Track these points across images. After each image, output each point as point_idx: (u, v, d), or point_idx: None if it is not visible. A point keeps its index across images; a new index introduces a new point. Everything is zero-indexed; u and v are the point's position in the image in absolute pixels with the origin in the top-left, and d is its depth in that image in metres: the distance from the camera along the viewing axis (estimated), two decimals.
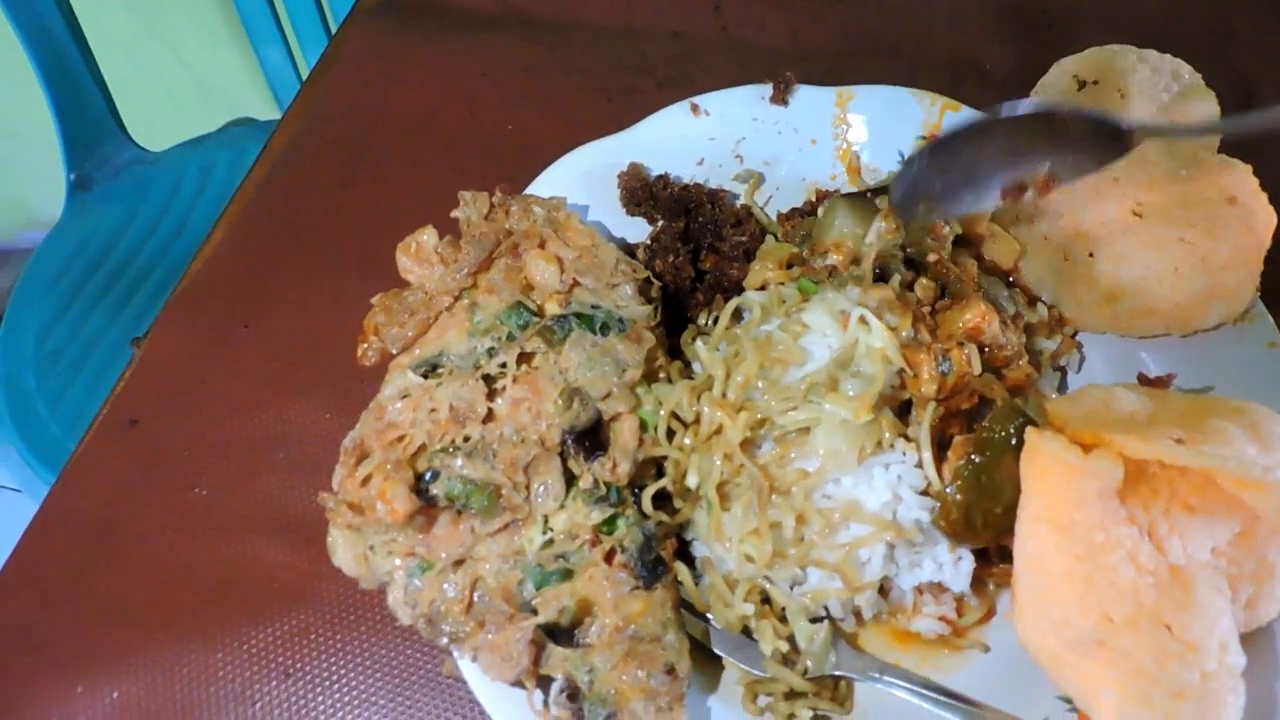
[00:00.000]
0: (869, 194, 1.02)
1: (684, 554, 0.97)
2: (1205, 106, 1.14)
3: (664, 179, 1.15)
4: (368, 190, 1.35)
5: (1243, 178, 1.08)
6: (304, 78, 2.36)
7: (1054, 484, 0.83)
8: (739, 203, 1.18)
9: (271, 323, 1.23)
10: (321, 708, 0.97)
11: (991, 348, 0.95)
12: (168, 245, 2.26)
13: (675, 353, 1.06)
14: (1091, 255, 1.09)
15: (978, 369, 0.93)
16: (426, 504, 0.85)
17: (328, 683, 0.98)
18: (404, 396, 0.91)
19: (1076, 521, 0.81)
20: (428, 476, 0.86)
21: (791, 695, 0.89)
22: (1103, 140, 0.91)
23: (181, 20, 2.77)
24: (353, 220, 1.32)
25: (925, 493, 0.91)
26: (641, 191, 1.11)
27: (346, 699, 0.97)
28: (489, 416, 0.90)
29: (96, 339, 2.11)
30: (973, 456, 0.89)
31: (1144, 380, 1.04)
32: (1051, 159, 0.93)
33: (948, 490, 0.88)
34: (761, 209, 1.19)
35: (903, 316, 0.94)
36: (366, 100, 1.44)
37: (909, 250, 1.00)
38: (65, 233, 2.28)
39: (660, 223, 1.15)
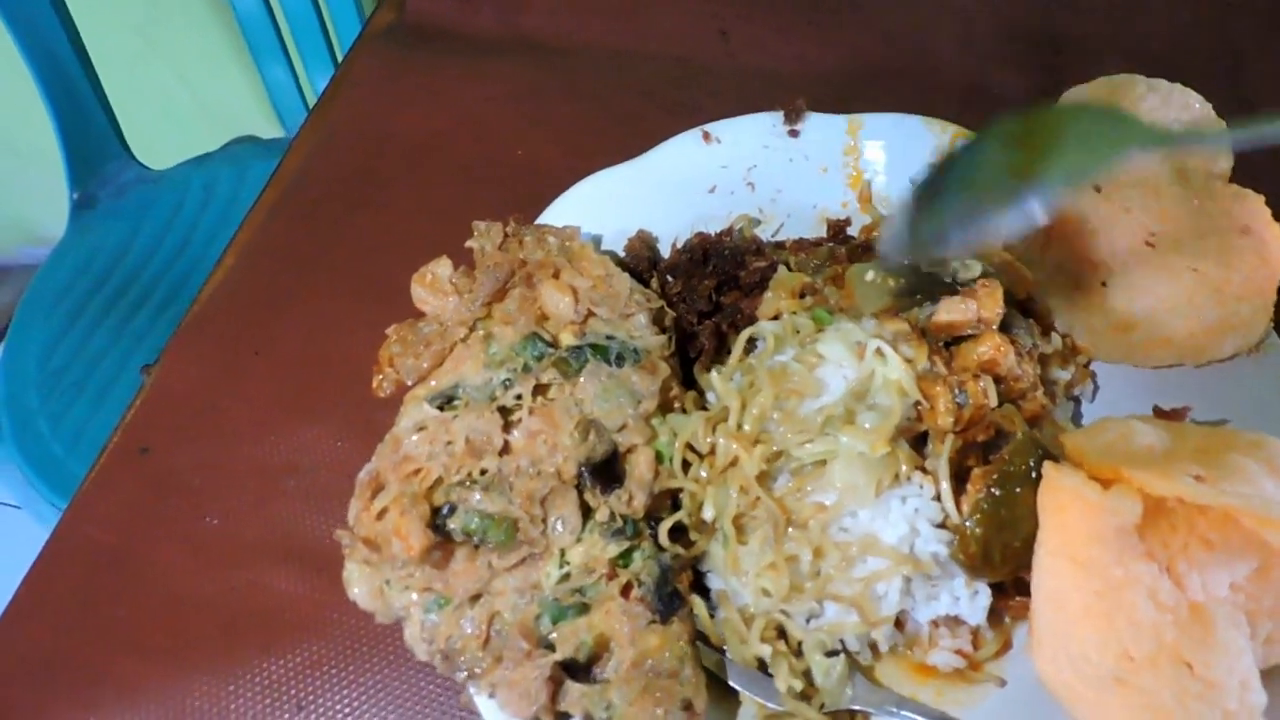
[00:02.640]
0: (895, 272, 1.00)
1: (699, 585, 0.97)
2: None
3: (673, 247, 1.15)
4: (377, 215, 1.35)
5: (1255, 207, 1.09)
6: (307, 96, 2.37)
7: (1072, 519, 0.83)
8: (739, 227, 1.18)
9: (282, 349, 1.23)
10: None
11: (1007, 380, 0.95)
12: (171, 263, 2.27)
13: (689, 382, 1.06)
14: (1104, 285, 1.09)
15: (994, 401, 0.93)
16: (443, 539, 0.85)
17: (341, 716, 0.97)
18: (420, 429, 0.90)
19: (1095, 558, 0.81)
20: (444, 511, 0.86)
21: None
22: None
23: (184, 39, 2.78)
24: (363, 245, 1.32)
25: (942, 525, 0.91)
26: (648, 261, 1.11)
27: None
28: (505, 449, 0.90)
29: (99, 358, 2.11)
30: (992, 490, 0.88)
31: (1159, 413, 1.03)
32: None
33: (967, 524, 0.88)
34: (769, 242, 1.18)
35: (918, 349, 0.94)
36: (375, 125, 1.44)
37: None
38: (68, 251, 2.28)
39: (679, 244, 1.15)
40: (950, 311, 0.93)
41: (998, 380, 0.94)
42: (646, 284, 1.09)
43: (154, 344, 2.10)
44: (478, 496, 0.86)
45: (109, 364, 2.08)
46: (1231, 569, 0.85)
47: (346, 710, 0.97)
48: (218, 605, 1.04)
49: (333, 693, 0.98)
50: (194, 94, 3.00)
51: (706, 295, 1.07)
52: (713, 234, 1.15)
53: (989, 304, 0.93)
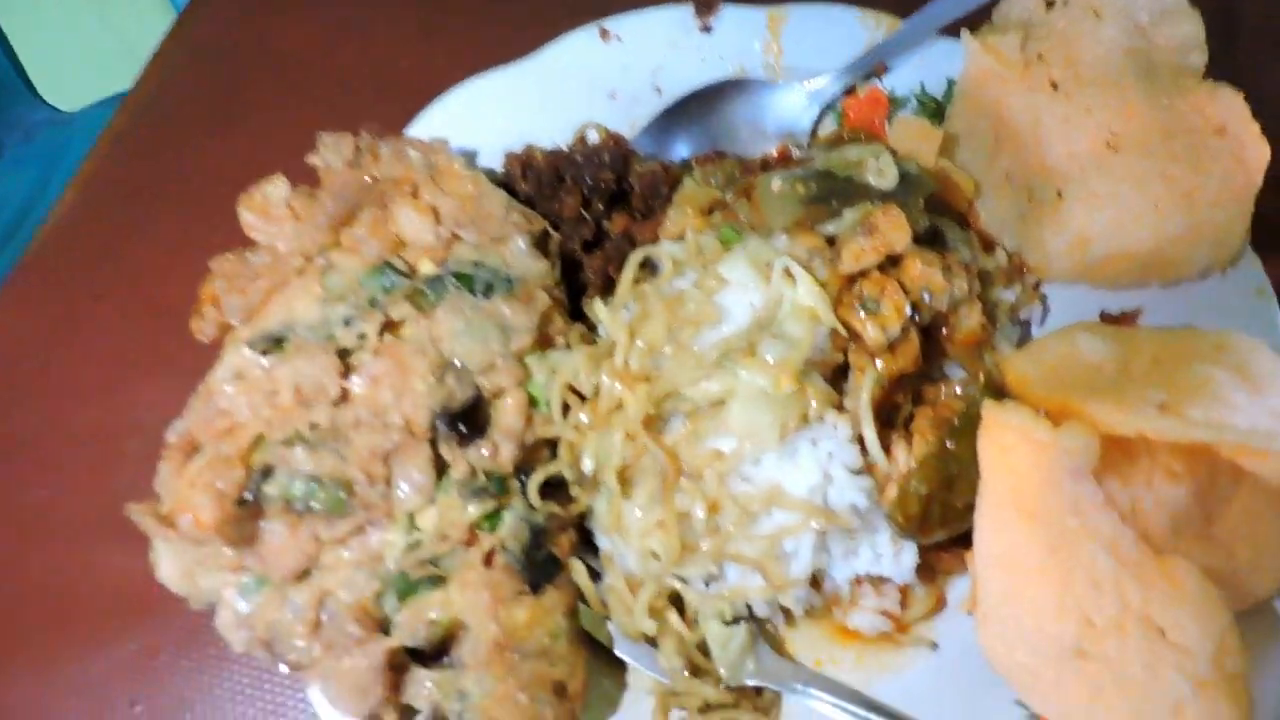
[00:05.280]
0: (805, 178, 0.85)
1: (593, 548, 0.84)
2: (1188, 29, 1.00)
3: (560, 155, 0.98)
4: (241, 139, 1.19)
5: (1232, 105, 0.95)
6: None
7: (1018, 464, 0.70)
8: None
9: (127, 293, 1.08)
10: None
11: (932, 294, 0.81)
12: None
13: (579, 316, 0.91)
14: (1060, 195, 0.96)
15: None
16: (256, 507, 0.71)
17: (179, 712, 0.84)
18: (238, 378, 0.76)
19: (1046, 508, 0.69)
20: (258, 475, 0.72)
21: (708, 708, 0.76)
22: None
23: None
24: (226, 172, 1.15)
25: (862, 472, 0.78)
26: (533, 179, 0.95)
27: None
28: (342, 398, 0.76)
29: None
30: (946, 442, 0.75)
31: (1107, 319, 0.91)
32: None
33: (912, 483, 0.75)
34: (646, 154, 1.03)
35: (832, 268, 0.80)
36: (243, 37, 1.27)
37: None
38: None
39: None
40: (856, 258, 0.79)
41: (915, 309, 0.80)
42: (534, 206, 0.94)
43: None
44: (301, 454, 0.72)
45: None
46: (1203, 500, 0.72)
47: (182, 702, 0.84)
48: (45, 591, 0.91)
49: (169, 683, 0.86)
50: (108, 28, 2.78)
51: (576, 214, 0.92)
52: (564, 147, 0.99)
53: (893, 234, 0.78)
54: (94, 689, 0.86)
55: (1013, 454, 0.70)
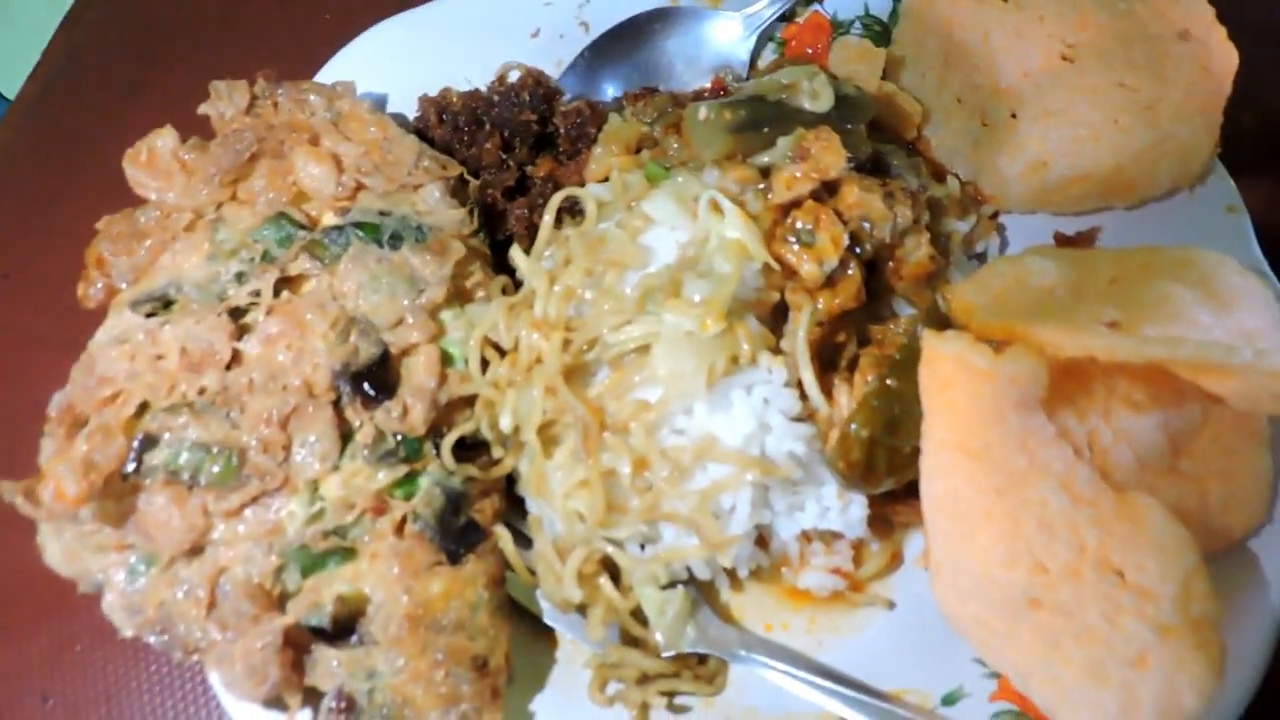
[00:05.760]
0: (734, 104, 0.79)
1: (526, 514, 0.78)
2: None
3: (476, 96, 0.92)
4: (157, 101, 1.11)
5: (1195, 7, 0.89)
6: None
7: (960, 398, 0.64)
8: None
9: (38, 269, 1.02)
10: None
11: (872, 222, 0.74)
12: None
13: (504, 267, 0.85)
14: (1014, 116, 0.90)
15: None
16: (139, 480, 0.65)
17: (94, 705, 0.79)
18: (120, 342, 0.70)
19: (991, 444, 0.63)
20: (137, 445, 0.66)
21: (646, 679, 0.71)
22: None
23: None
24: (140, 135, 1.10)
25: (803, 419, 0.73)
26: (449, 123, 0.88)
27: None
28: (235, 360, 0.70)
29: None
30: (887, 381, 0.69)
31: (1062, 240, 0.85)
32: None
33: (851, 427, 0.69)
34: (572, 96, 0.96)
35: (765, 199, 0.74)
36: None
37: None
38: None
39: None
40: (788, 186, 0.73)
41: (856, 240, 0.74)
42: (451, 153, 0.88)
43: None
44: (188, 421, 0.66)
45: None
46: (1169, 430, 0.67)
47: (97, 696, 0.79)
48: None
49: (83, 677, 0.81)
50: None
51: (497, 159, 0.86)
52: (481, 88, 0.93)
53: (827, 158, 0.72)
54: (3, 684, 0.81)
55: (953, 388, 0.64)
